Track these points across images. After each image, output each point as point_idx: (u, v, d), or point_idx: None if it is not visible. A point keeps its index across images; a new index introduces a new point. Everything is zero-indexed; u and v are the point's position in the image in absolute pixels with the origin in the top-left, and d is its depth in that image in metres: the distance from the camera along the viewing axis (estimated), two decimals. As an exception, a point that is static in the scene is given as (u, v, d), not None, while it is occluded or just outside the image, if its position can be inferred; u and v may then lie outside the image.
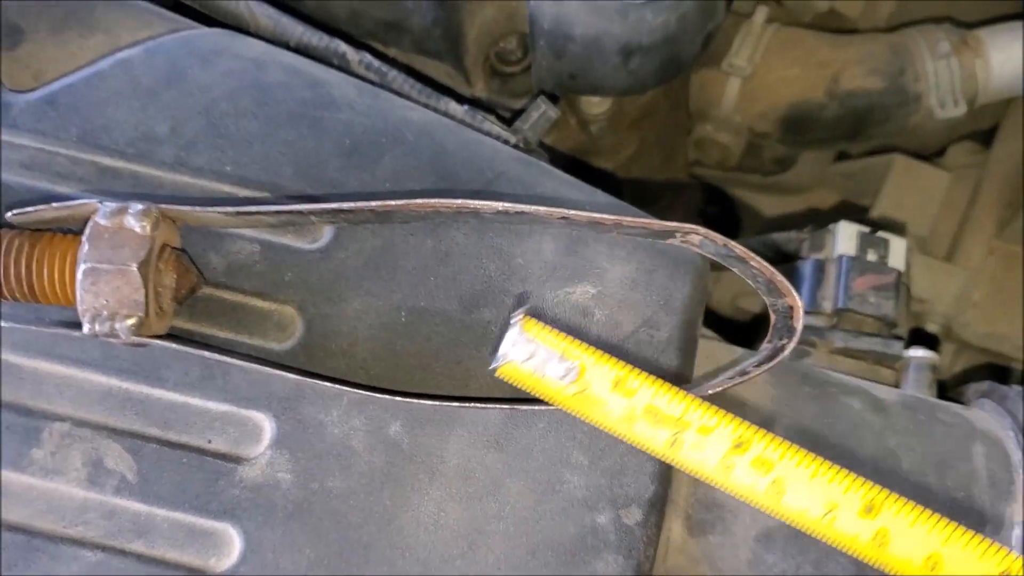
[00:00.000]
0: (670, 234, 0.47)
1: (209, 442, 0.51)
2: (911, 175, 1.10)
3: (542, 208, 0.47)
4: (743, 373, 0.49)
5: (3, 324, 0.49)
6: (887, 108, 0.99)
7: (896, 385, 0.74)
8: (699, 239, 0.47)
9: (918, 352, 0.73)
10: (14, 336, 0.51)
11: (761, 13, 1.03)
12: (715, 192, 1.26)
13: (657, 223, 0.46)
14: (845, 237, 0.77)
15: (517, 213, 0.47)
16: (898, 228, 0.92)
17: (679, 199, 1.08)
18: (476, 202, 0.47)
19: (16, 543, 0.50)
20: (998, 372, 1.05)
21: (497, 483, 0.51)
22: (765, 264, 0.46)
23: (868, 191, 1.13)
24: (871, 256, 0.76)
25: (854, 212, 0.95)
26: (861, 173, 1.17)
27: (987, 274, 1.04)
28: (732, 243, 0.45)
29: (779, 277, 0.45)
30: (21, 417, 0.51)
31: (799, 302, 0.45)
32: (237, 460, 0.50)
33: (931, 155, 1.16)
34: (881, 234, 0.77)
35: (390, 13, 0.75)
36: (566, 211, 0.46)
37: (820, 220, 0.87)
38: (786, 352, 0.46)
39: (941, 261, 1.04)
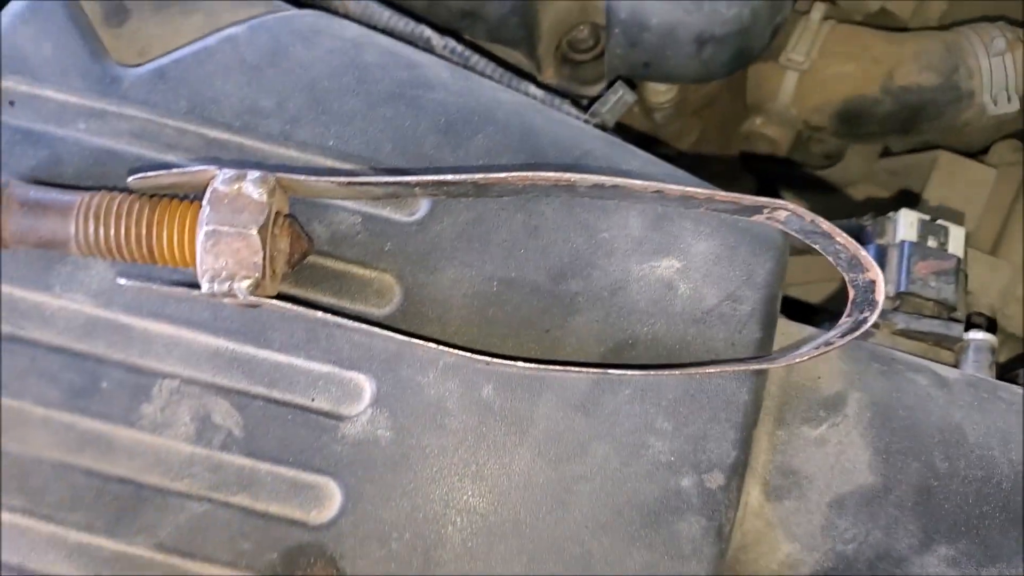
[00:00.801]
0: (758, 210, 0.49)
1: (312, 400, 0.53)
2: (956, 171, 1.11)
3: (637, 182, 0.49)
4: (827, 344, 0.51)
5: (123, 282, 0.52)
6: (940, 104, 1.01)
7: (956, 366, 0.76)
8: (786, 215, 0.49)
9: (978, 335, 0.75)
10: (126, 296, 0.54)
11: (818, 10, 1.05)
12: (764, 183, 1.27)
13: (748, 198, 0.48)
14: (906, 224, 0.79)
15: (612, 187, 0.49)
16: (956, 217, 0.94)
17: (734, 187, 1.10)
18: (572, 175, 0.49)
19: (125, 494, 0.52)
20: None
21: (584, 446, 0.53)
22: (849, 239, 0.48)
23: (914, 187, 1.15)
24: (931, 243, 0.78)
25: (901, 206, 0.97)
26: (906, 169, 1.18)
27: (1031, 269, 1.05)
28: (819, 219, 0.48)
29: (863, 252, 0.48)
30: (131, 374, 0.53)
31: (881, 276, 0.47)
32: (339, 418, 0.53)
33: (975, 153, 1.17)
34: (941, 222, 0.80)
35: (467, 2, 0.78)
36: (660, 184, 0.49)
37: (872, 211, 0.89)
38: (869, 323, 0.48)
39: (987, 255, 1.06)
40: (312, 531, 0.52)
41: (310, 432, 0.53)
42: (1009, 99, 1.00)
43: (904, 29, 1.11)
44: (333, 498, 0.52)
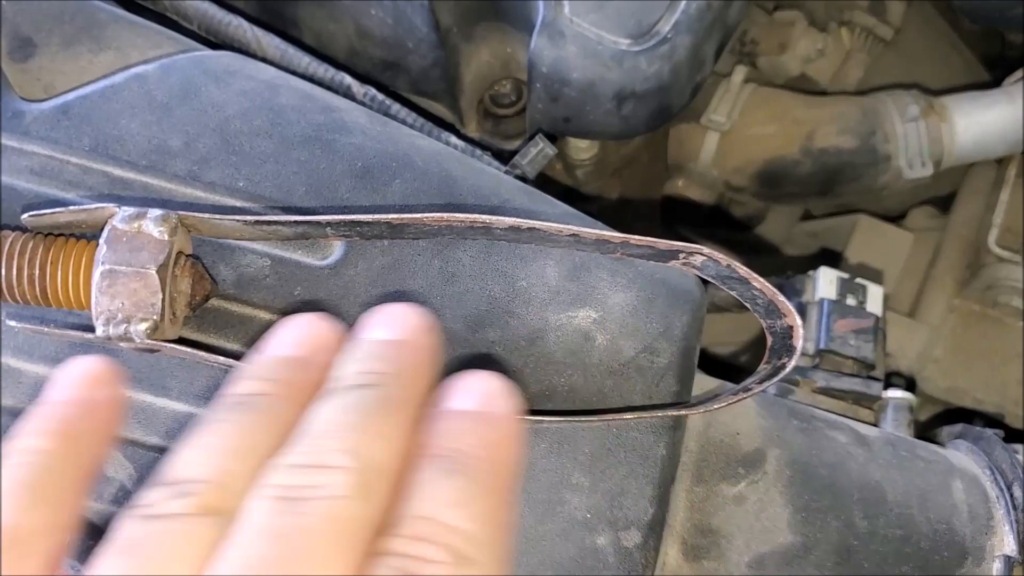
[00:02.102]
0: (674, 255, 0.48)
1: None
2: (875, 234, 1.14)
3: (553, 224, 0.48)
4: (746, 390, 0.50)
5: (14, 325, 0.49)
6: (858, 166, 1.03)
7: (875, 424, 0.76)
8: (702, 260, 0.48)
9: (896, 393, 0.75)
10: (16, 340, 0.51)
11: (739, 73, 1.07)
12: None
13: (663, 242, 0.47)
14: (825, 282, 0.80)
15: (528, 229, 0.48)
16: (875, 276, 0.95)
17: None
18: (488, 217, 0.48)
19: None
20: (958, 421, 1.08)
21: (498, 502, 0.51)
22: (767, 284, 0.47)
23: (835, 249, 1.17)
24: (850, 301, 0.79)
25: (821, 265, 0.98)
26: (826, 232, 1.21)
27: (948, 331, 1.08)
28: (736, 264, 0.47)
29: (780, 297, 0.47)
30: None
31: (799, 321, 0.47)
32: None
33: (893, 218, 1.20)
34: (859, 280, 0.80)
35: (389, 53, 0.77)
36: (576, 228, 0.48)
37: (792, 270, 0.90)
38: (788, 369, 0.48)
39: (905, 317, 1.08)
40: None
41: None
42: (924, 164, 1.02)
43: (823, 93, 1.14)
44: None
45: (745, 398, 0.50)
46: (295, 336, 0.43)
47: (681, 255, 0.47)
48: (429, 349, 0.43)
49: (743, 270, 0.47)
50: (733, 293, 0.49)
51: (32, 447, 0.38)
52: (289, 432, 0.37)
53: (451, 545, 0.34)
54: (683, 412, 0.53)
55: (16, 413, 0.50)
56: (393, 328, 0.43)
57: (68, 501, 0.37)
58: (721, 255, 0.46)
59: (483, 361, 0.53)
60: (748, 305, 0.49)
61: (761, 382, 0.49)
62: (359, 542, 0.34)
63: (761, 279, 0.46)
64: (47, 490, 0.36)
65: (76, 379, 0.41)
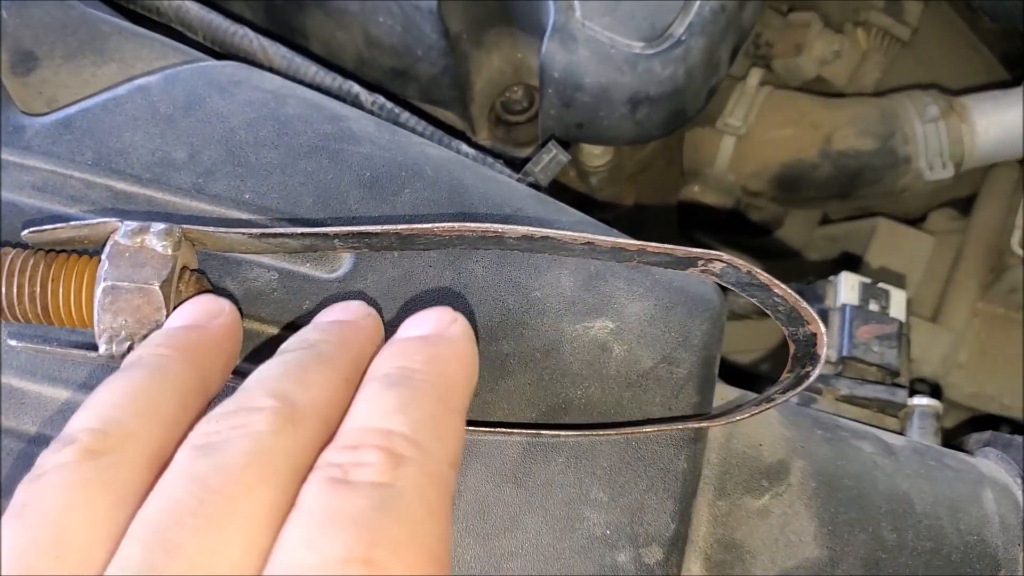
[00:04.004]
0: (692, 262, 0.47)
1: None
2: (895, 238, 1.12)
3: (567, 233, 0.46)
4: (769, 400, 0.49)
5: (15, 344, 0.48)
6: (878, 169, 1.02)
7: (901, 432, 0.75)
8: (721, 267, 0.46)
9: (923, 400, 0.74)
10: (18, 360, 0.50)
11: (754, 76, 1.06)
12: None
13: (681, 249, 0.46)
14: (847, 287, 0.78)
15: (541, 238, 0.47)
16: (897, 280, 0.94)
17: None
18: (500, 226, 0.47)
19: None
20: (985, 427, 1.06)
21: (515, 519, 0.49)
22: (788, 291, 0.46)
23: (854, 253, 1.15)
24: (873, 306, 0.77)
25: (842, 270, 0.97)
26: (845, 236, 1.19)
27: (971, 336, 1.06)
28: (756, 270, 0.45)
29: (803, 304, 0.46)
30: (23, 443, 0.49)
31: (822, 329, 0.45)
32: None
33: (913, 221, 1.18)
34: (882, 285, 0.79)
35: (398, 62, 0.76)
36: (590, 236, 0.46)
37: (812, 275, 0.89)
38: (812, 378, 0.46)
39: (927, 322, 1.06)
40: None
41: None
42: (944, 165, 1.00)
43: (840, 95, 1.13)
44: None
45: (768, 408, 0.49)
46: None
47: (700, 262, 0.46)
48: (372, 330, 0.44)
49: (764, 276, 0.45)
50: (754, 300, 0.47)
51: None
52: (184, 386, 0.39)
53: (386, 447, 0.34)
54: (704, 424, 0.51)
55: (18, 435, 0.49)
56: (342, 312, 0.45)
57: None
58: (741, 261, 0.45)
59: (495, 373, 0.52)
60: (769, 312, 0.48)
61: (784, 392, 0.48)
62: (284, 470, 0.33)
63: (782, 285, 0.45)
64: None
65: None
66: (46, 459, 0.35)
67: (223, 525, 0.31)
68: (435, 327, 0.42)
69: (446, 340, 0.42)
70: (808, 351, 0.47)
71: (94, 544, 0.32)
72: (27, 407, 0.50)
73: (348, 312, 0.45)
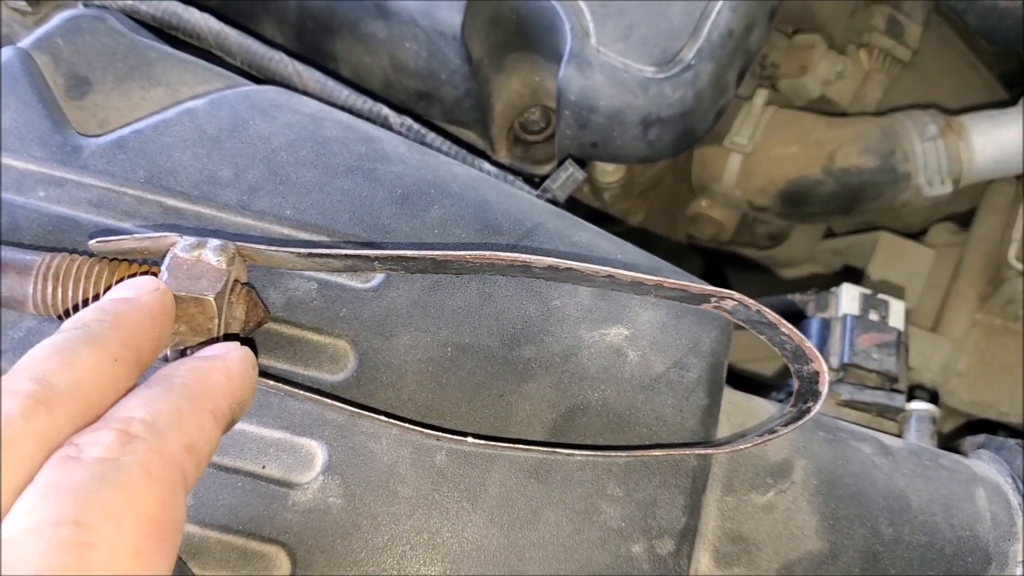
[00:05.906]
0: (705, 299, 0.50)
1: (263, 467, 0.53)
2: (896, 251, 1.16)
3: (589, 265, 0.49)
4: (771, 432, 0.52)
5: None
6: (879, 185, 1.05)
7: (899, 435, 0.78)
8: (733, 304, 0.49)
9: (919, 405, 0.77)
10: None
11: (760, 96, 1.10)
12: (711, 264, 1.31)
13: (695, 287, 0.49)
14: (848, 298, 0.82)
15: (566, 269, 0.49)
16: (897, 292, 0.97)
17: (680, 267, 1.13)
18: (527, 256, 0.49)
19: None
20: (982, 432, 1.09)
21: (536, 512, 0.53)
22: (794, 331, 0.48)
23: (857, 266, 1.19)
24: (873, 316, 0.81)
25: (844, 282, 1.00)
26: (848, 249, 1.23)
27: (970, 345, 1.09)
28: (765, 309, 0.48)
29: (807, 344, 0.48)
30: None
31: (825, 368, 0.49)
32: (290, 485, 0.53)
33: (914, 235, 1.22)
34: (881, 296, 0.82)
35: (423, 85, 0.80)
36: (611, 270, 0.49)
37: (816, 288, 0.92)
38: (812, 413, 0.50)
39: (928, 332, 1.09)
40: (262, 600, 0.51)
41: (260, 500, 0.52)
42: (943, 182, 1.04)
43: (843, 115, 1.16)
44: (282, 568, 0.52)
45: (771, 439, 0.52)
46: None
47: (712, 299, 0.49)
48: (153, 304, 0.45)
49: (772, 315, 0.48)
50: (762, 337, 0.50)
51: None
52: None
53: (121, 429, 0.36)
54: (709, 452, 0.55)
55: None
56: (126, 289, 0.46)
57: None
58: (751, 300, 0.48)
59: (518, 377, 0.56)
60: (776, 349, 0.51)
61: (786, 424, 0.52)
62: (32, 452, 0.35)
63: (789, 325, 0.48)
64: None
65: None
66: None
67: None
68: (217, 351, 0.45)
69: (218, 360, 0.44)
70: (811, 388, 0.50)
71: None
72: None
73: (131, 289, 0.46)
